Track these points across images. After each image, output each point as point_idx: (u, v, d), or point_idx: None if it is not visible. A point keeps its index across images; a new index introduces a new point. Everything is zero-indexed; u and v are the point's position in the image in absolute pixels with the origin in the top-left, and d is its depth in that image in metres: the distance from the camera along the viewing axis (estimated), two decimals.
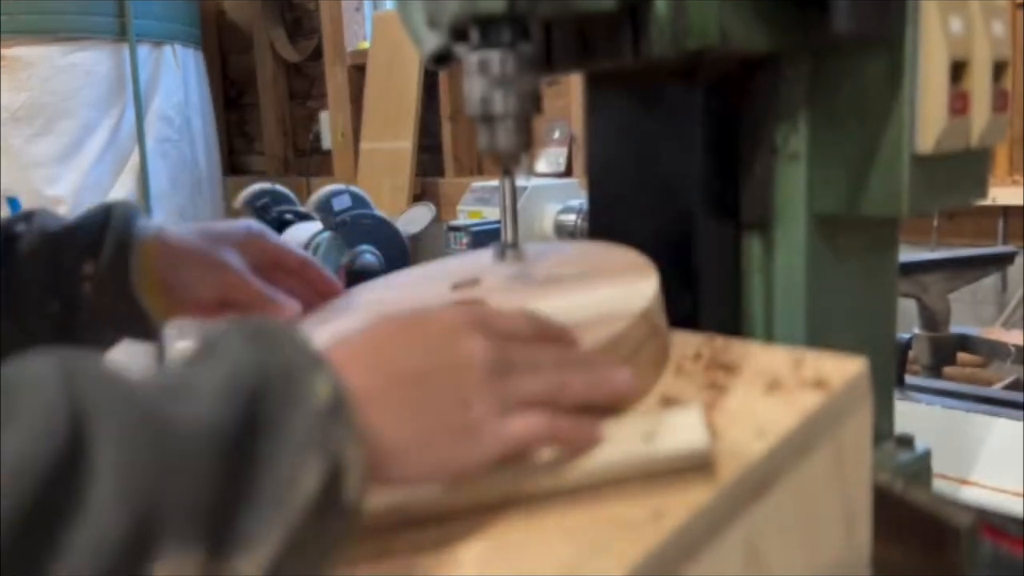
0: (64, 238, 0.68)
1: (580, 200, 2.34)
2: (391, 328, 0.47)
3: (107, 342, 0.72)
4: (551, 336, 0.51)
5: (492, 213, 2.49)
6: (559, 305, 0.61)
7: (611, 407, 0.50)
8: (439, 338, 0.45)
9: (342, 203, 2.75)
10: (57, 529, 0.31)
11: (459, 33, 0.69)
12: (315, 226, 2.67)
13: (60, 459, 0.32)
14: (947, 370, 1.40)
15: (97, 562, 0.32)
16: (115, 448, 0.33)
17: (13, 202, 2.89)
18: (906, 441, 0.85)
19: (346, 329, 0.46)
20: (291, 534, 0.36)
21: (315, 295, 0.76)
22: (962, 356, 1.43)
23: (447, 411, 0.43)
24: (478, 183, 2.75)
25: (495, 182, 2.44)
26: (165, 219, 3.07)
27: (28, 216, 0.70)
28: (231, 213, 3.27)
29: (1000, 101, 0.73)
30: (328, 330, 0.66)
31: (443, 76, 3.16)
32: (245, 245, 0.72)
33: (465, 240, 2.38)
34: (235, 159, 4.24)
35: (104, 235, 0.67)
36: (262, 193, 2.91)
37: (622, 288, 0.62)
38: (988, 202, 0.88)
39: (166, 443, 0.34)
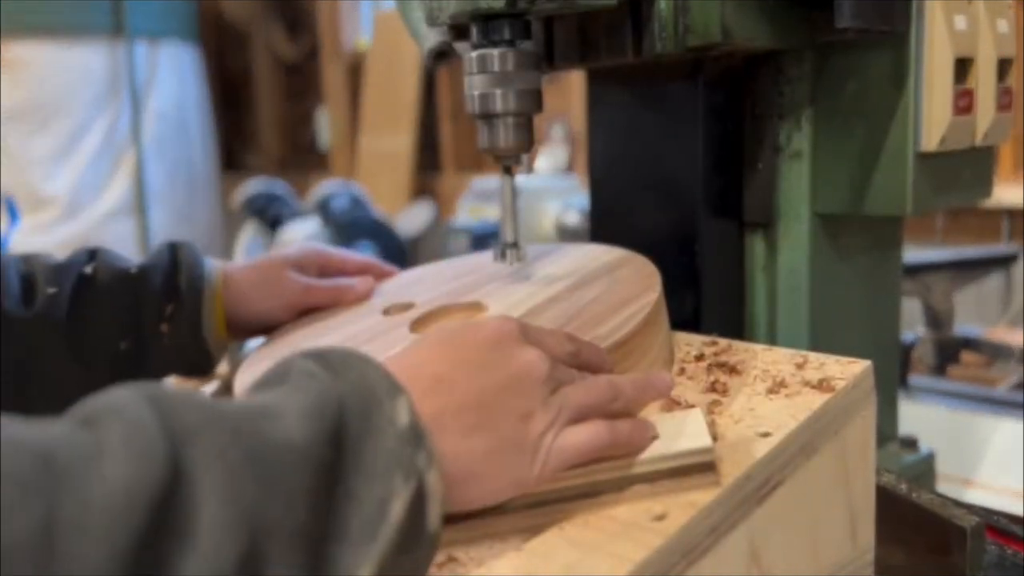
0: (141, 279, 0.69)
1: (581, 199, 2.33)
2: (441, 345, 0.45)
3: (164, 377, 0.73)
4: (583, 353, 0.50)
5: (492, 211, 2.47)
6: (560, 308, 0.61)
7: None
8: (493, 351, 0.44)
9: (340, 201, 2.74)
10: (169, 557, 0.30)
11: (459, 30, 0.69)
12: (313, 224, 2.66)
13: (164, 484, 0.31)
14: (951, 370, 1.39)
15: None
16: (215, 468, 0.32)
17: (10, 205, 2.88)
18: (910, 442, 0.85)
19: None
20: (382, 562, 0.35)
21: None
22: (966, 356, 1.43)
23: (510, 429, 0.42)
24: (478, 180, 2.74)
25: (495, 179, 2.43)
26: (163, 218, 3.06)
27: (92, 254, 0.70)
28: (228, 212, 3.27)
29: (1005, 99, 0.73)
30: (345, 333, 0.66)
31: (443, 73, 3.15)
32: (299, 261, 0.73)
33: (464, 240, 2.37)
34: (232, 157, 4.23)
35: (177, 276, 0.69)
36: (259, 195, 2.90)
37: (624, 291, 0.62)
38: (992, 201, 0.87)
39: (262, 460, 0.33)
